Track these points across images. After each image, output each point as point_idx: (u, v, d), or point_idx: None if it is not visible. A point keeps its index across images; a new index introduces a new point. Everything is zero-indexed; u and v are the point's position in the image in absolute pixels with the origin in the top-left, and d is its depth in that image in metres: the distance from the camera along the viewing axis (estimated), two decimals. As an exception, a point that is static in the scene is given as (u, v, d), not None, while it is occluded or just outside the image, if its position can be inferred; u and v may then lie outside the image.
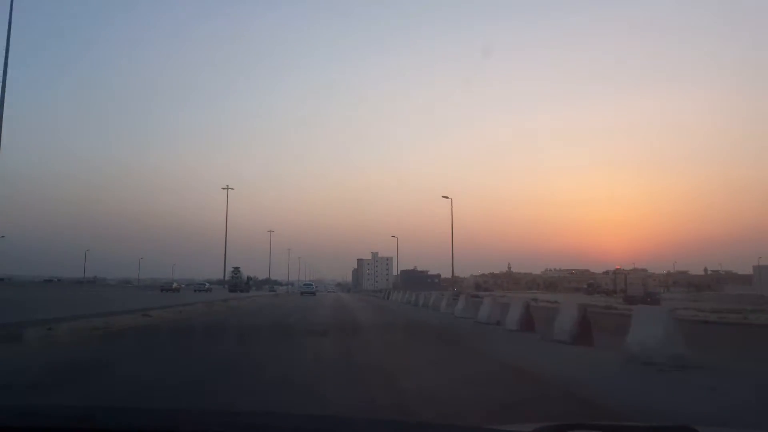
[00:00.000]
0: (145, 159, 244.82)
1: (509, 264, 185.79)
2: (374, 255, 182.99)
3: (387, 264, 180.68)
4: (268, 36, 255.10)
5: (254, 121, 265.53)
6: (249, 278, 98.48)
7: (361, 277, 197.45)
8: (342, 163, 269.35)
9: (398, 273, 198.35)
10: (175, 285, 70.72)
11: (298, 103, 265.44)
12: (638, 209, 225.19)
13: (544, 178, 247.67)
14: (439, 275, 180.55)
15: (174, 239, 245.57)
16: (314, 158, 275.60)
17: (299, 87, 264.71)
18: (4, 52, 20.86)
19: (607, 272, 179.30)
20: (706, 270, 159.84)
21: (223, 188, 74.37)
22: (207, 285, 73.32)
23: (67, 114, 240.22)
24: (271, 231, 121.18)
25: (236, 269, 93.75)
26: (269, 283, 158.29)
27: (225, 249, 75.56)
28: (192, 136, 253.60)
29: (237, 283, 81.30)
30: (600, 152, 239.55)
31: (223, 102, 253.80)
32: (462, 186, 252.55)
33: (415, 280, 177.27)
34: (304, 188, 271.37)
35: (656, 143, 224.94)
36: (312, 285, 76.70)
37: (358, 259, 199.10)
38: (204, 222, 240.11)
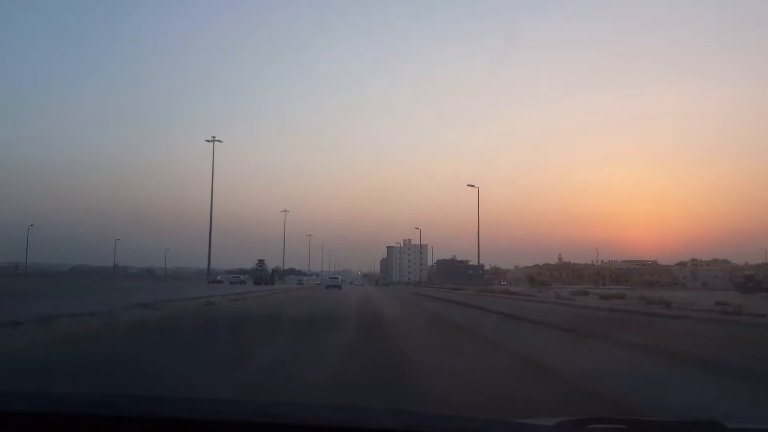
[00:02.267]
0: (165, 150, 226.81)
1: (560, 254, 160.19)
2: (406, 242, 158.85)
3: (421, 252, 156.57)
4: (295, 26, 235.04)
5: (276, 112, 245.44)
6: (274, 270, 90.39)
7: (390, 267, 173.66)
8: (370, 152, 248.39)
9: (435, 262, 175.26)
10: (219, 278, 71.82)
11: (322, 95, 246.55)
12: (682, 200, 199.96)
13: (580, 168, 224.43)
14: (482, 266, 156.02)
15: (163, 225, 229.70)
16: (342, 148, 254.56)
17: (325, 78, 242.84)
18: None
19: (681, 264, 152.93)
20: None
21: (208, 140, 54.96)
22: (241, 277, 73.79)
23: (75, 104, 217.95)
24: (285, 210, 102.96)
25: (261, 261, 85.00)
26: (293, 274, 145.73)
27: (210, 223, 54.36)
28: (216, 126, 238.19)
29: (262, 275, 76.33)
30: (636, 142, 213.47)
31: (248, 93, 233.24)
32: (496, 175, 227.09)
33: (454, 271, 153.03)
34: (329, 178, 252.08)
35: (693, 133, 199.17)
36: (338, 278, 75.15)
37: (387, 247, 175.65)
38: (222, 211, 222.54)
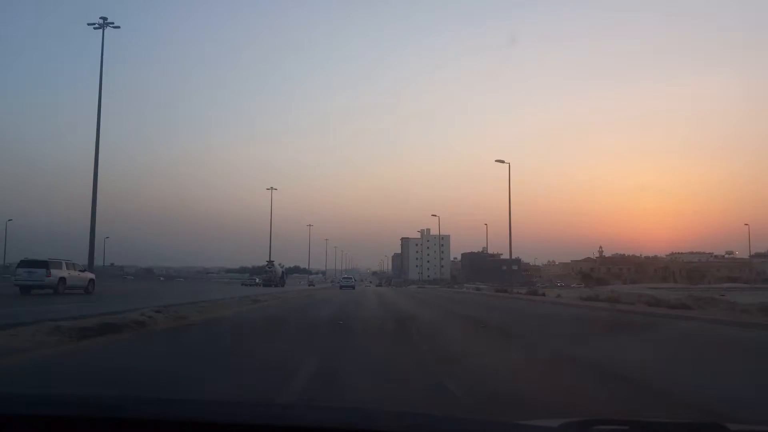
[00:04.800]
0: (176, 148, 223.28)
1: (600, 247, 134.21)
2: (425, 233, 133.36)
3: (441, 245, 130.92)
4: (303, 26, 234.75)
5: (287, 111, 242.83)
6: (284, 272, 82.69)
7: (406, 262, 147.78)
8: (378, 148, 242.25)
9: (460, 256, 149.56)
10: (257, 280, 73.53)
11: (325, 92, 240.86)
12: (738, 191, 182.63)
13: (603, 162, 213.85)
14: (518, 260, 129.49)
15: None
16: (348, 147, 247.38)
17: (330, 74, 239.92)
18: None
19: (759, 255, 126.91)
20: None
21: (95, 26, 30.34)
22: (257, 279, 73.96)
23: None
24: (272, 188, 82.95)
25: (270, 262, 77.89)
26: (297, 272, 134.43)
27: (95, 173, 29.81)
28: (226, 126, 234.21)
29: (272, 277, 71.16)
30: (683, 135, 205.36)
31: (258, 93, 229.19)
32: (515, 170, 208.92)
33: (483, 266, 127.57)
34: (336, 175, 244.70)
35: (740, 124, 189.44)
36: (351, 278, 79.21)
37: (402, 239, 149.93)
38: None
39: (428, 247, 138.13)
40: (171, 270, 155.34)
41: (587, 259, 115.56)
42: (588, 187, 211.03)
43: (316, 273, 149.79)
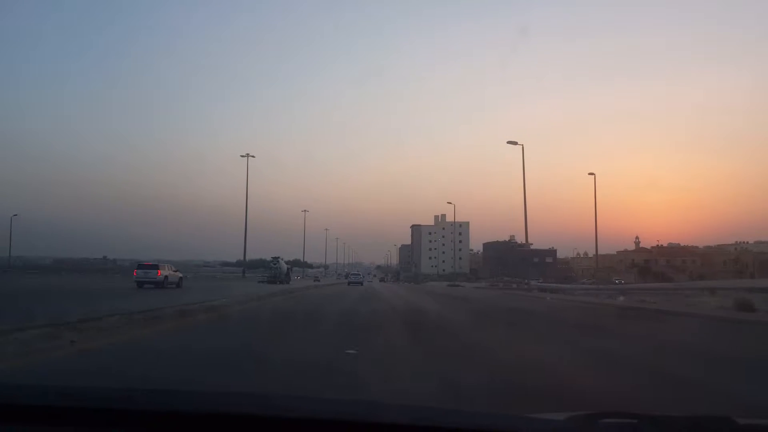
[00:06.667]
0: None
1: (637, 237, 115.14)
2: (439, 219, 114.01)
3: (459, 232, 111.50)
4: (307, 21, 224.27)
5: (292, 105, 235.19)
6: (289, 268, 76.84)
7: (417, 253, 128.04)
8: (382, 140, 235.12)
9: (481, 247, 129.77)
10: (266, 278, 75.15)
11: (338, 89, 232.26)
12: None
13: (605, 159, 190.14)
14: (553, 250, 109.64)
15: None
16: (352, 140, 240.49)
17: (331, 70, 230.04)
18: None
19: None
20: None
21: None
22: (267, 277, 71.28)
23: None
24: (248, 155, 68.96)
25: (275, 259, 70.52)
26: (297, 266, 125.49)
27: None
28: (229, 119, 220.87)
29: (277, 274, 66.34)
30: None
31: (265, 87, 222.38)
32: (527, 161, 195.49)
33: (510, 259, 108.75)
34: (339, 170, 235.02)
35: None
36: (359, 274, 79.99)
37: (412, 226, 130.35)
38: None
39: (443, 236, 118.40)
40: (169, 264, 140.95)
41: (639, 250, 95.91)
42: (603, 180, 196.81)
43: (318, 267, 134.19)
